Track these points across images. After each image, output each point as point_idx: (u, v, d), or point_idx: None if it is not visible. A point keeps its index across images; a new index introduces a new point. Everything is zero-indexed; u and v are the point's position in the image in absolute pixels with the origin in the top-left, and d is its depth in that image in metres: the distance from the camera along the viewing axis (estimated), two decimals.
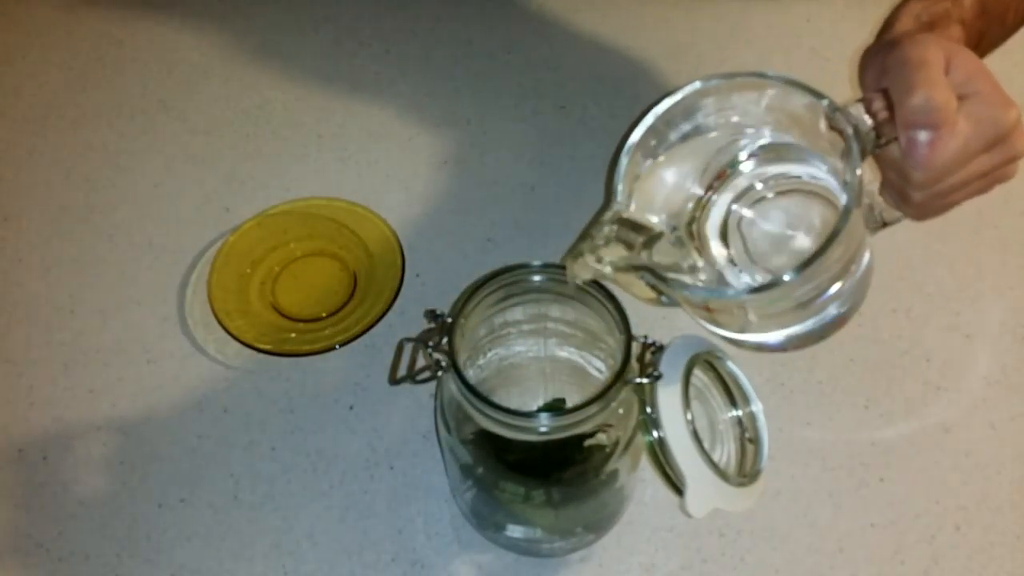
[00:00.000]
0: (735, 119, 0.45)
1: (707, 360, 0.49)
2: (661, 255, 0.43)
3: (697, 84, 0.43)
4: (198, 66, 0.81)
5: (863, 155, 0.40)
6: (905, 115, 0.40)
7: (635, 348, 0.43)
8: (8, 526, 0.55)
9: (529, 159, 0.73)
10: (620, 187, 0.44)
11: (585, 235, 0.43)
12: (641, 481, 0.54)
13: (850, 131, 0.40)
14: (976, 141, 0.41)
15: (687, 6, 0.84)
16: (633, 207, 0.44)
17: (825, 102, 0.41)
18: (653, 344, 0.45)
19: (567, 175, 0.71)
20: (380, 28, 0.83)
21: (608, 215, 0.43)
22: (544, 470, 0.48)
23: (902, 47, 0.42)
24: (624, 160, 0.44)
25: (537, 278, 0.46)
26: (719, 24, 0.82)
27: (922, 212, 0.45)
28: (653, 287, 0.42)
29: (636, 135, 0.44)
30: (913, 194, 0.43)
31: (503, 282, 0.45)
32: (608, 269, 0.42)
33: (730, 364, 0.50)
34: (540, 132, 0.75)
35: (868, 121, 0.41)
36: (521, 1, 0.85)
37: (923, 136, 0.40)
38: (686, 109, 0.44)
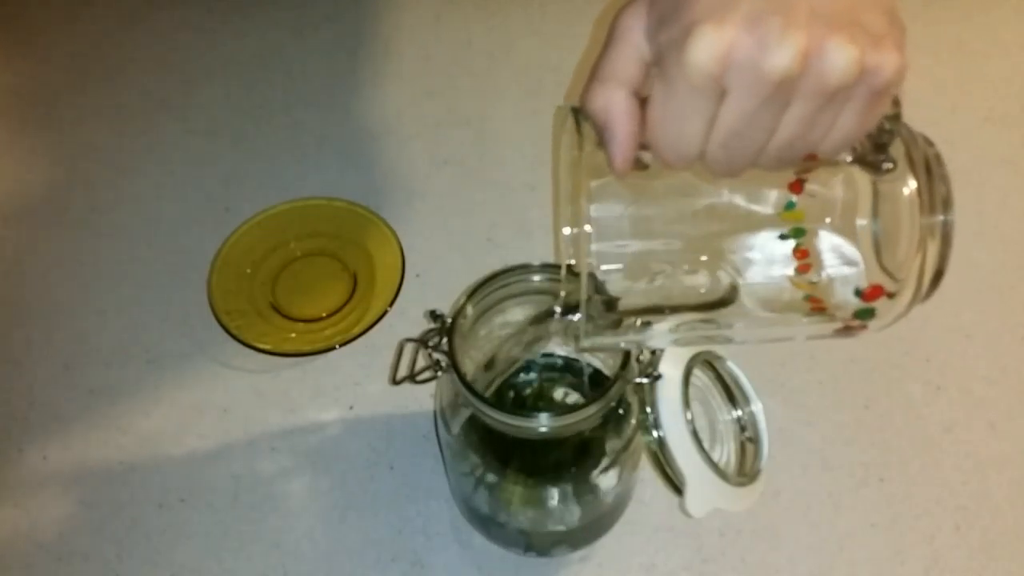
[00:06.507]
0: None
1: (707, 360, 0.49)
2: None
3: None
4: (198, 66, 0.81)
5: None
6: None
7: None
8: (8, 526, 0.55)
9: (529, 159, 0.73)
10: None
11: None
12: (641, 481, 0.54)
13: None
14: (686, 103, 0.30)
15: None
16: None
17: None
18: None
19: None
20: (380, 28, 0.83)
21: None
22: (544, 470, 0.48)
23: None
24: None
25: (537, 278, 0.46)
26: None
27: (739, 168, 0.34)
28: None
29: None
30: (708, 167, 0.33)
31: (503, 282, 0.45)
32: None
33: (730, 364, 0.50)
34: (540, 132, 0.74)
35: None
36: (521, 1, 0.85)
37: (606, 137, 0.33)
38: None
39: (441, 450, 0.54)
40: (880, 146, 0.35)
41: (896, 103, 0.33)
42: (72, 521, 0.55)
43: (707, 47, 0.28)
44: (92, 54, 0.82)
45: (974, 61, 0.79)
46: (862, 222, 0.37)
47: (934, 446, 0.57)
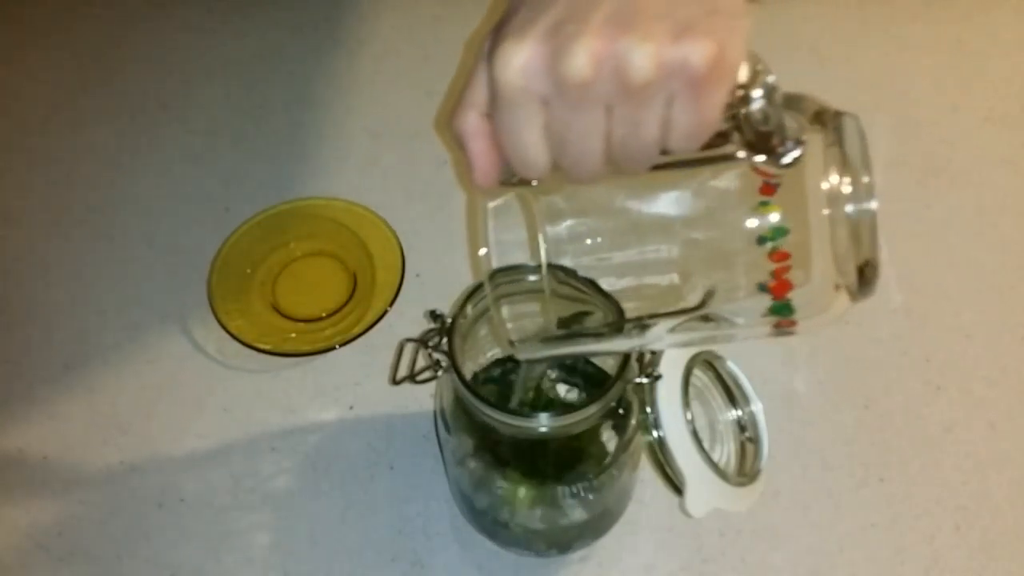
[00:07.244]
0: None
1: (707, 360, 0.49)
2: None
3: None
4: (198, 66, 0.81)
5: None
6: None
7: None
8: (8, 526, 0.55)
9: None
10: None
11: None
12: (641, 481, 0.54)
13: None
14: (510, 116, 0.31)
15: None
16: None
17: None
18: None
19: None
20: (380, 28, 0.83)
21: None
22: (544, 470, 0.48)
23: None
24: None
25: (536, 278, 0.46)
26: None
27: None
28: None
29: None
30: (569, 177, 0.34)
31: (503, 282, 0.45)
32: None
33: (730, 364, 0.50)
34: None
35: None
36: None
37: (465, 155, 0.34)
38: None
39: (441, 450, 0.54)
40: (763, 135, 0.32)
41: (768, 88, 0.31)
42: (72, 521, 0.55)
43: (507, 61, 0.30)
44: (92, 54, 0.82)
45: (974, 61, 0.79)
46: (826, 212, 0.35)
47: (934, 446, 0.57)
